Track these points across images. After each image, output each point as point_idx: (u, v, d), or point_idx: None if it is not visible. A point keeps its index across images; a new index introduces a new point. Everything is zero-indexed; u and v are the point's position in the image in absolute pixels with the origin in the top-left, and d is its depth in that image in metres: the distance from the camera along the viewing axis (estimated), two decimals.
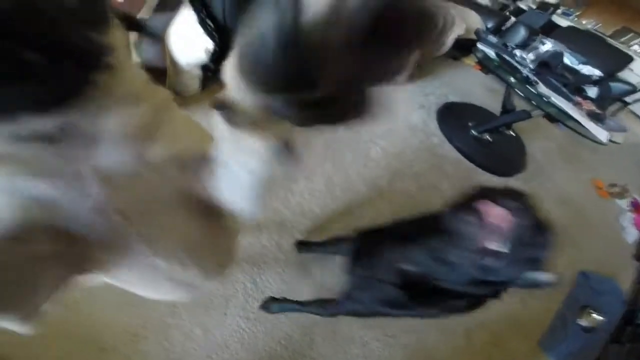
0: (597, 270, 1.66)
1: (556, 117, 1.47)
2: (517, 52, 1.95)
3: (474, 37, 2.53)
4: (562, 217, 1.88)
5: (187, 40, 1.25)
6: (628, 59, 3.17)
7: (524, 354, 1.25)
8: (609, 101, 2.02)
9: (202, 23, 1.24)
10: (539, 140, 2.53)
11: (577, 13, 6.33)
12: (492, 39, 2.09)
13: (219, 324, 1.00)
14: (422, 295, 0.67)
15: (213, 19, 1.29)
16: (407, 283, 0.66)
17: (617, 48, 3.73)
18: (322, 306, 0.97)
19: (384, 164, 1.58)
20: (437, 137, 1.89)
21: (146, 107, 0.32)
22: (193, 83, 1.42)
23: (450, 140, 1.87)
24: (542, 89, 1.60)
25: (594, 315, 1.38)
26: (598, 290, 1.51)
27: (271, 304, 1.04)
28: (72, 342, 0.86)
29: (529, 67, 1.80)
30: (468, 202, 0.57)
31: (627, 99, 3.11)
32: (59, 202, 0.27)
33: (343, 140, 1.58)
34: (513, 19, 3.30)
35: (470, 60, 3.21)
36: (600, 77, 2.41)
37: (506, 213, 0.51)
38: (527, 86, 1.58)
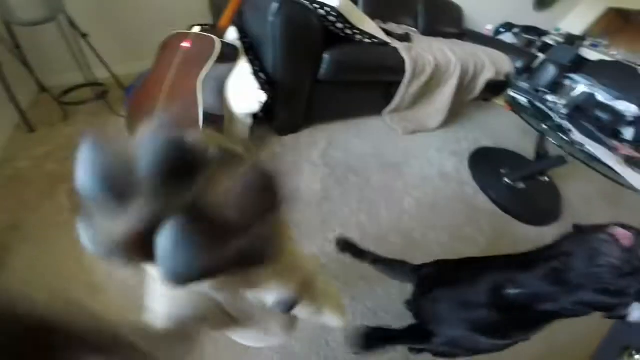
0: None
1: (591, 165, 1.46)
2: (549, 98, 1.97)
3: (503, 79, 2.59)
4: None
5: (243, 91, 1.38)
6: None
7: None
8: None
9: (256, 75, 1.38)
10: (576, 184, 2.45)
11: (605, 44, 6.25)
12: (524, 84, 2.13)
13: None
14: (518, 319, 0.69)
15: (265, 72, 1.46)
16: (504, 307, 0.69)
17: None
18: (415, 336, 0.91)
19: (418, 216, 1.61)
20: (470, 186, 1.91)
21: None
22: (244, 130, 1.56)
23: (484, 190, 1.88)
24: (576, 136, 1.60)
25: (636, 356, 1.30)
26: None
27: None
28: None
29: (561, 113, 1.82)
30: (589, 229, 0.62)
31: None
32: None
33: (378, 190, 1.65)
34: (541, 56, 3.34)
35: (500, 101, 3.24)
36: (636, 116, 2.37)
37: (633, 236, 0.54)
38: (560, 134, 1.58)
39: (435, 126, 2.27)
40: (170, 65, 1.35)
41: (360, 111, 2.11)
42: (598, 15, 4.41)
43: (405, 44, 1.90)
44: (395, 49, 1.80)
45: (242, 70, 1.36)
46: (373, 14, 2.29)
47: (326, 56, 1.48)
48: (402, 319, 1.14)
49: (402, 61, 1.79)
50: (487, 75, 2.37)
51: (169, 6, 2.01)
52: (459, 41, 2.86)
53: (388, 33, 1.97)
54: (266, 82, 1.42)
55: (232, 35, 1.45)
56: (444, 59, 2.03)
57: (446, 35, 2.92)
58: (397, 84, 1.93)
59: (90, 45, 1.63)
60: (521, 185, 1.98)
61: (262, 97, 1.34)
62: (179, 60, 1.34)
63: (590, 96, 2.11)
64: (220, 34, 1.37)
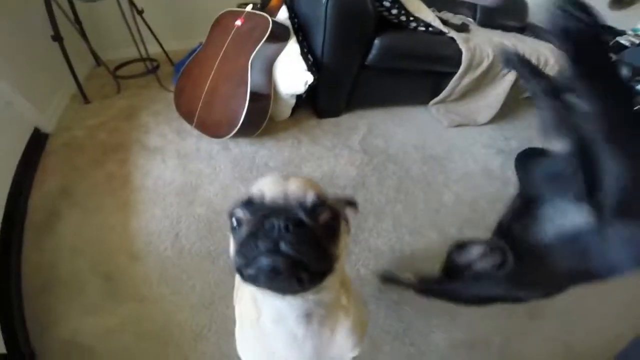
0: None
1: None
2: None
3: None
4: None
5: (291, 72, 1.40)
6: None
7: None
8: None
9: (305, 56, 1.39)
10: None
11: None
12: None
13: None
14: None
15: (313, 53, 1.46)
16: None
17: None
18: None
19: (456, 211, 1.56)
20: (515, 186, 1.81)
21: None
22: (286, 110, 1.59)
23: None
24: None
25: None
26: None
27: None
28: (141, 336, 0.97)
29: None
30: None
31: None
32: None
33: (417, 181, 1.61)
34: (614, 56, 3.03)
35: None
36: None
37: None
38: None
39: (484, 121, 2.15)
40: (222, 43, 1.39)
41: (405, 100, 2.04)
42: None
43: (463, 34, 1.79)
44: (451, 39, 1.71)
45: (291, 50, 1.37)
46: (429, 2, 2.20)
47: (377, 42, 1.44)
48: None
49: (459, 52, 1.70)
50: (551, 69, 2.20)
51: None
52: (521, 36, 2.67)
53: (444, 22, 1.88)
54: (313, 64, 1.42)
55: (283, 14, 1.46)
56: None
57: (506, 28, 2.67)
58: (448, 74, 1.84)
59: (144, 21, 1.71)
60: None
61: (310, 78, 1.35)
62: (231, 38, 1.38)
63: None
64: (272, 13, 1.38)
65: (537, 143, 2.08)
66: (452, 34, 1.72)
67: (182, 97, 1.51)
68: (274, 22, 1.33)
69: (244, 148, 1.50)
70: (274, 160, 1.47)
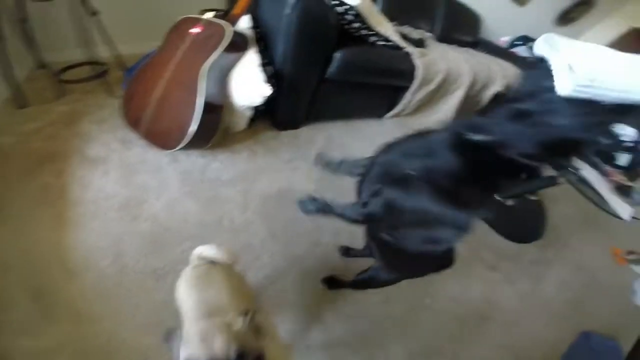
0: (601, 332, 1.61)
1: (579, 188, 1.47)
2: None
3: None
4: (575, 282, 1.85)
5: (248, 83, 1.36)
6: None
7: None
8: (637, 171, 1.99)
9: (263, 67, 1.36)
10: (560, 204, 2.46)
11: None
12: None
13: None
14: (482, 170, 0.63)
15: (273, 64, 1.44)
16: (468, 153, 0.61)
17: None
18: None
19: None
20: None
21: None
22: (242, 122, 1.55)
23: None
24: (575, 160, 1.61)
25: None
26: (597, 350, 1.50)
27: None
28: (82, 355, 0.91)
29: None
30: None
31: None
32: None
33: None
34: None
35: None
36: (635, 141, 2.37)
37: None
38: None
39: None
40: (177, 49, 1.33)
41: (362, 113, 2.09)
42: (620, 33, 4.34)
43: (420, 49, 1.87)
44: (408, 54, 1.77)
45: (250, 61, 1.34)
46: (390, 16, 2.20)
47: (337, 55, 1.45)
48: None
49: (414, 67, 1.77)
50: (495, 88, 2.32)
51: None
52: (474, 51, 2.83)
53: (404, 37, 1.93)
54: (273, 75, 1.40)
55: (244, 23, 1.42)
56: (456, 69, 2.00)
57: (461, 43, 2.86)
58: (404, 88, 1.91)
59: (99, 23, 1.60)
60: (509, 202, 2.00)
61: (267, 91, 1.33)
62: (187, 45, 1.33)
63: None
64: (233, 22, 1.35)
65: None
66: (409, 48, 1.78)
67: (130, 104, 1.42)
68: (232, 32, 1.29)
69: (195, 160, 1.41)
70: (227, 174, 1.41)
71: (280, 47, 1.37)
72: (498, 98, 2.43)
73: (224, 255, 0.78)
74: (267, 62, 1.40)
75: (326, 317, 1.14)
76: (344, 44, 1.48)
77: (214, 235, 1.18)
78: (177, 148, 1.32)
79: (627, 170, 1.90)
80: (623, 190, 1.57)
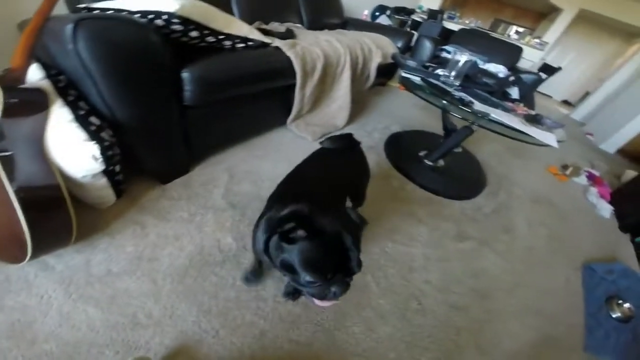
0: (597, 258, 1.67)
1: (496, 131, 1.46)
2: (440, 72, 1.99)
3: (391, 61, 2.62)
4: (540, 216, 1.90)
5: (67, 147, 0.93)
6: (519, 50, 3.41)
7: None
8: (532, 98, 2.17)
9: (83, 121, 0.94)
10: (485, 147, 2.57)
11: (458, 15, 7.24)
12: (411, 62, 2.13)
13: None
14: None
15: (99, 113, 1.00)
16: None
17: (504, 41, 4.19)
18: None
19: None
20: (396, 177, 1.77)
21: None
22: (104, 193, 1.09)
23: (410, 178, 1.76)
24: (479, 106, 1.56)
25: (624, 305, 1.34)
26: (610, 278, 1.50)
27: None
28: None
29: (456, 86, 1.79)
30: None
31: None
32: None
33: None
34: (415, 33, 3.56)
35: (395, 82, 3.31)
36: (509, 74, 2.62)
37: None
38: (462, 107, 1.52)
39: (344, 123, 2.10)
40: None
41: (261, 127, 1.78)
42: None
43: (289, 41, 1.62)
44: (277, 49, 1.51)
45: (59, 118, 0.90)
46: (252, 17, 1.99)
47: (186, 75, 1.09)
48: None
49: (289, 61, 1.53)
50: (376, 59, 2.28)
51: None
52: (344, 30, 2.78)
53: (266, 32, 1.72)
54: (101, 126, 0.99)
55: (35, 75, 0.94)
56: (332, 50, 1.83)
57: (331, 27, 2.80)
58: (293, 87, 1.67)
59: None
60: (441, 162, 1.94)
61: (94, 150, 0.94)
62: None
63: (475, 64, 2.21)
64: (17, 77, 0.92)
65: (395, 128, 2.16)
66: (277, 42, 1.53)
67: None
68: (17, 89, 0.84)
69: (70, 260, 0.97)
70: (117, 263, 0.98)
71: (93, 91, 0.95)
72: (383, 69, 2.44)
73: None
74: (88, 111, 0.98)
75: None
76: (192, 60, 1.14)
77: (136, 335, 0.86)
78: (26, 259, 0.86)
79: (521, 101, 2.03)
80: (533, 119, 1.62)
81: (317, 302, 0.66)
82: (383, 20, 4.24)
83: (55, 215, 0.92)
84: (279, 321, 0.96)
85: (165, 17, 0.99)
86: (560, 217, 1.99)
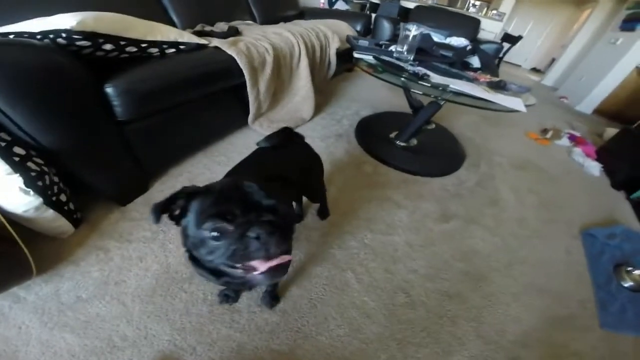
0: (595, 222, 1.59)
1: (461, 102, 1.41)
2: (392, 48, 1.92)
3: (349, 45, 2.55)
4: (530, 182, 1.83)
5: None
6: (477, 22, 3.42)
7: (599, 340, 1.05)
8: (494, 65, 2.14)
9: (2, 153, 0.84)
10: (458, 120, 2.52)
11: None
12: (363, 42, 2.03)
13: None
14: None
15: (22, 142, 0.89)
16: None
17: (463, 14, 4.16)
18: None
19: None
20: (369, 162, 1.70)
21: None
22: (59, 224, 1.02)
23: (383, 161, 1.69)
24: (437, 79, 1.50)
25: (634, 272, 1.24)
26: (613, 242, 1.39)
27: None
28: None
29: (411, 61, 1.72)
30: None
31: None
32: None
33: None
34: (373, 15, 3.51)
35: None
36: (470, 45, 2.60)
37: None
38: (420, 82, 1.46)
39: (310, 114, 2.02)
40: None
41: (220, 131, 1.69)
42: None
43: (230, 39, 1.53)
44: (217, 49, 1.42)
45: None
46: (194, 21, 1.88)
47: (110, 91, 1.00)
48: None
49: (233, 59, 1.44)
50: (334, 45, 2.19)
51: None
52: (300, 20, 2.69)
53: (204, 34, 1.59)
54: (33, 154, 0.91)
55: None
56: (283, 41, 1.74)
57: (288, 19, 2.70)
58: (245, 86, 1.57)
59: None
60: (414, 142, 1.88)
61: (19, 182, 0.85)
62: None
63: (427, 35, 2.13)
64: None
65: (365, 112, 2.10)
66: (215, 42, 1.43)
67: None
68: None
69: (40, 291, 0.93)
70: (86, 289, 0.94)
71: (5, 119, 0.85)
72: (345, 55, 2.37)
73: None
74: (9, 142, 0.87)
75: None
76: (114, 74, 1.03)
77: (115, 358, 0.84)
78: None
79: (483, 69, 1.99)
80: (497, 86, 1.58)
81: (257, 270, 0.50)
82: (341, 6, 4.18)
83: (6, 252, 0.85)
84: (256, 332, 0.90)
85: (64, 35, 0.90)
86: (548, 181, 1.94)
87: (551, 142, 2.58)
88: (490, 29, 5.48)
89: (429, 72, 1.56)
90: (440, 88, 1.43)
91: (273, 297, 0.98)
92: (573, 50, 5.46)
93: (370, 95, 2.75)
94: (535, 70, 8.49)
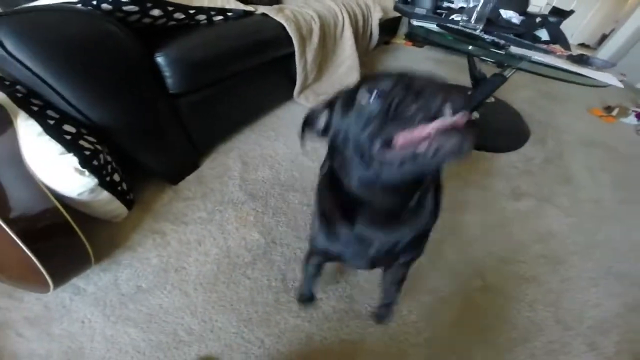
0: None
1: (547, 75, 1.23)
2: (457, 17, 1.73)
3: (394, 14, 2.35)
4: (602, 160, 1.66)
5: (48, 164, 0.79)
6: None
7: None
8: (565, 38, 1.87)
9: (55, 131, 0.78)
10: (516, 94, 2.28)
11: None
12: (421, 10, 1.88)
13: None
14: None
15: (73, 119, 0.83)
16: None
17: None
18: None
19: None
20: None
21: None
22: (112, 207, 0.95)
23: None
24: (515, 49, 1.31)
25: None
26: None
27: None
28: None
29: (479, 29, 1.52)
30: None
31: None
32: None
33: None
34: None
35: (399, 39, 3.03)
36: (522, 19, 2.29)
37: None
38: (495, 50, 1.28)
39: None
40: None
41: (266, 105, 1.58)
42: None
43: (275, 6, 1.39)
44: (264, 16, 1.28)
45: (28, 132, 0.75)
46: None
47: (160, 59, 0.90)
48: None
49: (282, 27, 1.30)
50: (376, 15, 1.97)
51: None
52: None
53: (251, 1, 1.51)
54: (85, 132, 0.84)
55: None
56: (326, 10, 1.57)
57: None
58: (292, 56, 1.45)
59: None
60: (476, 115, 1.71)
61: (73, 162, 0.78)
62: None
63: (495, 6, 1.93)
64: None
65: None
66: (262, 9, 1.29)
67: None
68: None
69: (99, 281, 0.90)
70: (145, 278, 0.89)
71: (54, 95, 0.78)
72: (385, 26, 2.17)
73: None
74: (58, 120, 0.80)
75: None
76: (164, 44, 0.94)
77: (182, 354, 0.79)
78: (51, 289, 0.78)
79: (554, 42, 1.75)
80: (580, 60, 1.37)
81: (426, 136, 0.31)
82: None
83: (64, 241, 0.80)
84: (324, 321, 0.83)
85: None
86: (619, 159, 1.71)
87: (617, 119, 2.31)
88: (535, 3, 4.96)
89: (509, 43, 1.37)
90: (523, 59, 1.23)
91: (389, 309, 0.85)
92: (631, 26, 4.83)
93: (415, 67, 2.54)
94: (583, 45, 7.68)
